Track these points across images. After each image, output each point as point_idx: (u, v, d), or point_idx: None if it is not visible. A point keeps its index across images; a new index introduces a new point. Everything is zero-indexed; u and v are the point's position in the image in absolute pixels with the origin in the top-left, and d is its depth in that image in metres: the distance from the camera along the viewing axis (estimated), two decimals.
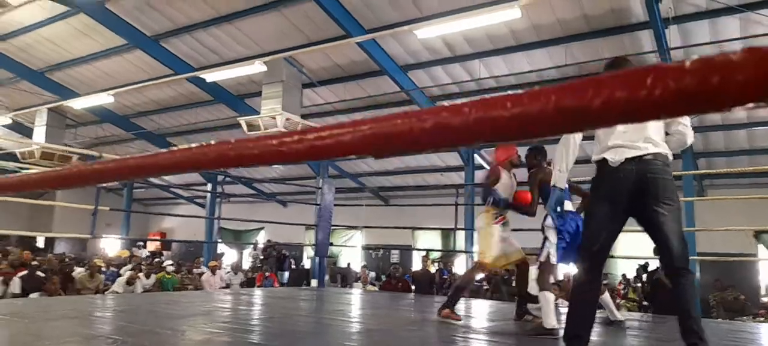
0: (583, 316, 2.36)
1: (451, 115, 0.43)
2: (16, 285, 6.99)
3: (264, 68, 9.27)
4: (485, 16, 7.30)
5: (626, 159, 2.36)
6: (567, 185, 2.83)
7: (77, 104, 12.57)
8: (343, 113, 12.55)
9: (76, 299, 5.96)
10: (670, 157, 2.47)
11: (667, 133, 2.53)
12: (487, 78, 10.14)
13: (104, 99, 11.93)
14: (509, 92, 0.40)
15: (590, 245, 2.44)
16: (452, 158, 13.65)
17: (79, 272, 8.76)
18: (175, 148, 0.65)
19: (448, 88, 10.86)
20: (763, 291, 11.91)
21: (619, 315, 3.93)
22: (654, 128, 2.44)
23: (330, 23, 9.09)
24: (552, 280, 3.91)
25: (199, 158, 0.62)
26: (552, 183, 2.88)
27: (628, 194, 2.37)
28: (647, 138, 2.39)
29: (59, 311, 3.96)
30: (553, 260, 3.65)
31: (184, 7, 9.95)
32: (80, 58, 12.13)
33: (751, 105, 0.33)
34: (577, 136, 2.61)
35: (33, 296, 6.66)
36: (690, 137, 2.64)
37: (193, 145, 0.62)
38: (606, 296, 4.15)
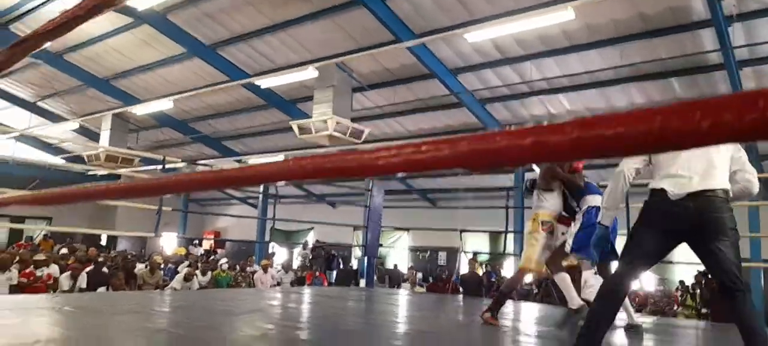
0: (601, 319, 2.34)
1: (551, 134, 0.44)
2: (83, 280, 7.38)
3: (316, 73, 9.46)
4: (537, 18, 7.15)
5: (688, 195, 2.30)
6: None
7: (139, 110, 13.20)
8: (392, 116, 12.62)
9: (139, 295, 6.26)
10: (731, 194, 2.41)
11: (731, 180, 2.48)
12: (538, 80, 9.96)
13: (164, 105, 12.47)
14: (607, 113, 0.41)
15: (629, 266, 2.41)
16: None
17: (140, 268, 9.20)
18: (271, 162, 0.70)
19: (498, 91, 10.72)
20: None
21: (637, 319, 3.92)
22: (719, 160, 2.39)
23: (380, 28, 9.18)
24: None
25: (296, 171, 0.66)
26: (598, 220, 2.86)
27: (684, 230, 2.34)
28: (710, 170, 2.34)
29: (125, 306, 4.18)
30: (568, 248, 3.76)
31: (240, 17, 10.30)
32: (143, 67, 12.75)
33: None
34: (630, 172, 2.54)
35: (99, 290, 7.03)
36: (755, 187, 2.61)
37: (290, 158, 0.66)
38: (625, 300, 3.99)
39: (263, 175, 0.76)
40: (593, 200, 3.80)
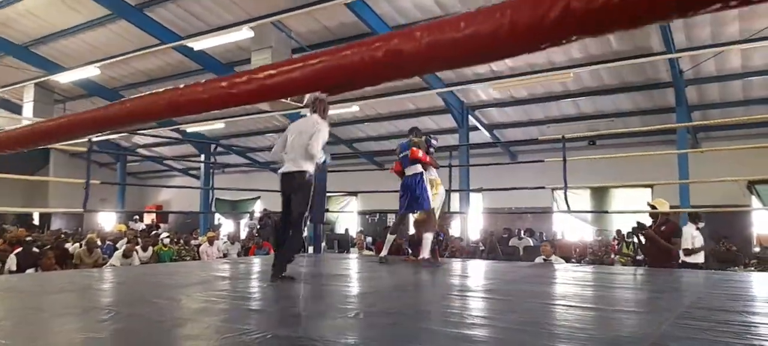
0: None
1: (403, 42, 0.40)
2: (12, 262, 6.98)
3: (251, 34, 9.10)
4: None
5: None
6: None
7: (64, 78, 12.37)
8: None
9: (73, 273, 5.98)
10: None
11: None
12: None
13: (90, 72, 11.73)
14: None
15: None
16: (446, 121, 13.59)
17: (74, 247, 8.77)
18: (125, 99, 0.62)
19: None
20: (754, 242, 12.07)
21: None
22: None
23: None
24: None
25: (149, 107, 0.58)
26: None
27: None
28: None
29: (56, 285, 3.97)
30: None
31: None
32: (64, 31, 11.87)
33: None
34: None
35: (29, 272, 6.67)
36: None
37: (144, 93, 0.59)
38: (427, 236, 5.51)
39: (116, 115, 0.68)
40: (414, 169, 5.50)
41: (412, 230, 6.56)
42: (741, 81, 10.49)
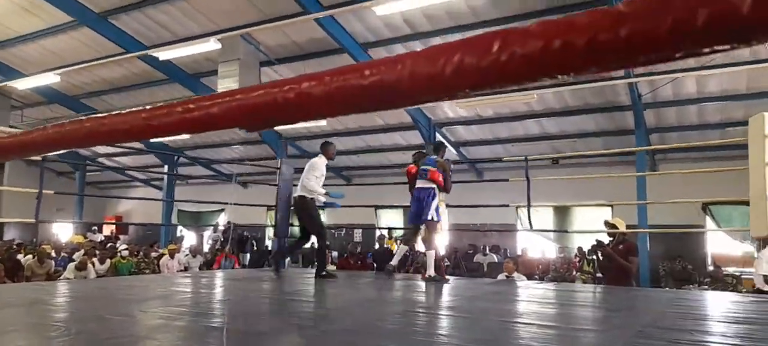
0: None
1: (313, 85, 0.41)
2: None
3: (219, 46, 9.02)
4: None
5: None
6: None
7: (21, 85, 11.96)
8: None
9: (23, 287, 5.74)
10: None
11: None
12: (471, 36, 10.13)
13: (50, 79, 11.38)
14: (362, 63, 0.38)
15: None
16: (414, 137, 13.70)
17: (27, 258, 8.44)
18: (46, 126, 0.61)
19: None
20: (709, 260, 12.50)
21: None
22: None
23: None
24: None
25: (70, 134, 0.58)
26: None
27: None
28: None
29: (3, 300, 3.80)
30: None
31: None
32: (23, 36, 11.51)
33: (589, 70, 0.32)
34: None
35: None
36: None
37: (66, 122, 0.58)
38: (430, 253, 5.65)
39: (33, 143, 0.67)
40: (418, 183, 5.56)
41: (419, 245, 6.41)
42: (697, 106, 10.93)
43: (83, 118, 0.51)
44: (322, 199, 5.73)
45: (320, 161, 5.62)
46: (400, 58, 0.37)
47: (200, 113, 0.46)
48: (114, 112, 0.55)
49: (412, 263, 10.03)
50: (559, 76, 0.33)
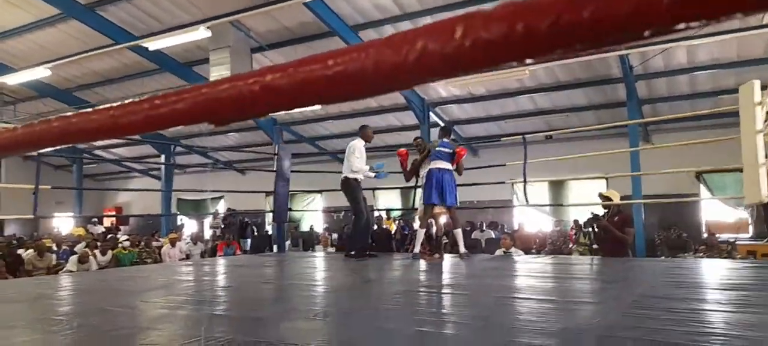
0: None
1: (277, 77, 0.40)
2: None
3: (209, 34, 8.93)
4: None
5: None
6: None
7: (11, 80, 11.85)
8: None
9: (25, 282, 5.75)
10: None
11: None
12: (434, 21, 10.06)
13: (40, 73, 11.28)
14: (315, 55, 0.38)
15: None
16: (408, 118, 13.67)
17: (28, 253, 8.45)
18: (17, 127, 0.60)
19: None
20: (703, 228, 12.60)
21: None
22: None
23: None
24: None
25: (41, 135, 0.57)
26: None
27: None
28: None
29: (4, 295, 3.81)
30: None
31: None
32: (11, 31, 11.39)
33: (553, 53, 0.32)
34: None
35: None
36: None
37: (36, 122, 0.57)
38: (458, 231, 5.87)
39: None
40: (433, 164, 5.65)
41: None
42: (687, 76, 10.91)
43: (52, 118, 0.51)
44: (370, 174, 6.02)
45: (359, 143, 5.92)
46: (363, 47, 0.36)
47: (167, 110, 0.46)
48: (82, 111, 0.55)
49: (411, 242, 10.07)
50: (525, 60, 0.33)
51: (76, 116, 0.51)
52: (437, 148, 5.76)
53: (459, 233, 5.84)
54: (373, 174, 6.10)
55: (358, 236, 6.00)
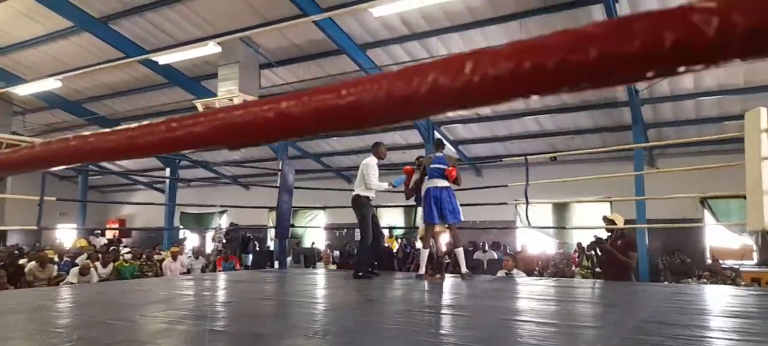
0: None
1: (292, 105, 0.42)
2: None
3: (218, 49, 9.03)
4: None
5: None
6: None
7: (22, 91, 11.99)
8: None
9: (26, 293, 5.75)
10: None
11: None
12: (445, 55, 10.13)
13: (52, 84, 11.41)
14: (334, 83, 0.39)
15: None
16: (413, 136, 13.71)
17: (30, 264, 8.46)
18: (29, 145, 0.62)
19: (408, 66, 10.83)
20: (707, 254, 12.50)
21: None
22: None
23: (286, 2, 8.91)
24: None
25: (57, 154, 0.59)
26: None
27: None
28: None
29: (5, 306, 3.81)
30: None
31: None
32: (24, 42, 11.55)
33: (559, 90, 0.33)
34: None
35: None
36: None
37: (53, 140, 0.59)
38: (459, 250, 5.83)
39: (17, 163, 0.67)
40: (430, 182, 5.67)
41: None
42: (693, 101, 10.93)
43: (69, 136, 0.52)
44: (385, 187, 5.99)
45: (372, 161, 5.94)
46: (376, 79, 0.37)
47: (183, 132, 0.47)
48: (99, 132, 0.56)
49: (413, 261, 10.04)
50: (531, 96, 0.34)
51: (93, 136, 0.52)
52: (432, 166, 5.74)
53: (460, 252, 5.79)
54: (387, 186, 6.09)
55: (362, 255, 5.97)
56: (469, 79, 0.33)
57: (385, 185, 5.99)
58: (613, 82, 0.32)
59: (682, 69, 0.31)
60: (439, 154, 5.83)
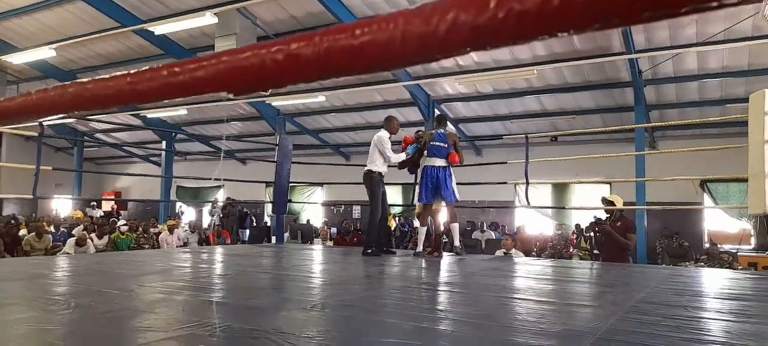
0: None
1: (303, 46, 0.39)
2: None
3: (215, 20, 8.91)
4: None
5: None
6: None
7: (16, 59, 11.85)
8: None
9: (22, 261, 5.76)
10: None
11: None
12: None
13: (46, 53, 11.27)
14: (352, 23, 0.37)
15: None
16: (413, 113, 13.64)
17: (27, 234, 8.46)
18: (28, 93, 0.59)
19: None
20: (705, 238, 12.58)
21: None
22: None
23: None
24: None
25: (55, 101, 0.56)
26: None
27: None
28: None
29: (1, 274, 3.82)
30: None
31: None
32: (18, 10, 11.36)
33: (591, 27, 0.31)
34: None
35: None
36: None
37: (50, 88, 0.56)
38: (455, 226, 5.81)
39: (17, 109, 0.65)
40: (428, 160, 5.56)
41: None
42: (697, 82, 10.87)
43: (67, 83, 0.50)
44: (403, 156, 5.88)
45: (384, 134, 5.76)
46: (391, 17, 0.35)
47: (186, 77, 0.45)
48: (98, 78, 0.54)
49: (411, 239, 10.07)
50: (559, 34, 0.32)
51: (91, 82, 0.50)
52: (432, 143, 5.61)
53: (455, 227, 5.76)
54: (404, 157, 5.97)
55: (371, 232, 5.83)
56: (492, 16, 0.31)
57: (402, 156, 5.89)
58: (645, 18, 0.29)
59: None
60: (440, 130, 5.70)
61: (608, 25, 0.30)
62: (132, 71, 0.46)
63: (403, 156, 5.88)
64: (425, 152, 5.66)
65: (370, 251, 5.69)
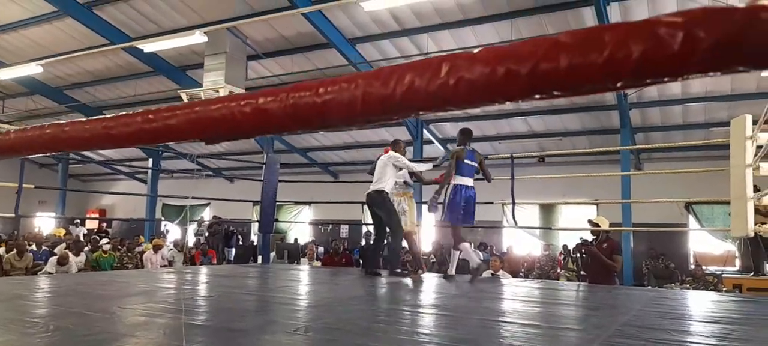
0: None
1: (269, 100, 0.41)
2: None
3: (205, 39, 8.94)
4: None
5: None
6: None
7: (3, 75, 11.77)
8: None
9: (2, 281, 5.66)
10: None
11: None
12: (435, 52, 10.16)
13: (33, 69, 11.21)
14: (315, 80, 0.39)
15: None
16: (401, 133, 13.69)
17: (8, 252, 8.32)
18: (8, 132, 0.61)
19: (396, 62, 10.76)
20: (691, 259, 12.70)
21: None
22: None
23: None
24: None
25: (33, 141, 0.58)
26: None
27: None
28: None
29: None
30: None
31: None
32: (5, 26, 11.33)
33: (532, 97, 0.33)
34: None
35: None
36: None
37: (28, 128, 0.58)
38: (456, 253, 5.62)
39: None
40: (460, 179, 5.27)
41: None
42: (681, 106, 11.08)
43: (45, 124, 0.51)
44: (430, 166, 5.80)
45: (397, 153, 5.59)
46: (353, 78, 0.37)
47: (159, 124, 0.47)
48: (75, 120, 0.55)
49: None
50: (504, 102, 0.34)
51: (68, 125, 0.51)
52: (465, 161, 5.30)
53: (456, 255, 5.59)
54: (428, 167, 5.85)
55: (395, 252, 5.62)
56: (444, 82, 0.33)
57: (427, 166, 5.74)
58: (583, 91, 0.32)
59: (648, 80, 0.31)
60: (470, 148, 5.43)
61: (548, 96, 0.33)
62: (108, 116, 0.48)
63: (427, 166, 5.73)
64: (453, 170, 5.29)
65: (398, 271, 5.51)
